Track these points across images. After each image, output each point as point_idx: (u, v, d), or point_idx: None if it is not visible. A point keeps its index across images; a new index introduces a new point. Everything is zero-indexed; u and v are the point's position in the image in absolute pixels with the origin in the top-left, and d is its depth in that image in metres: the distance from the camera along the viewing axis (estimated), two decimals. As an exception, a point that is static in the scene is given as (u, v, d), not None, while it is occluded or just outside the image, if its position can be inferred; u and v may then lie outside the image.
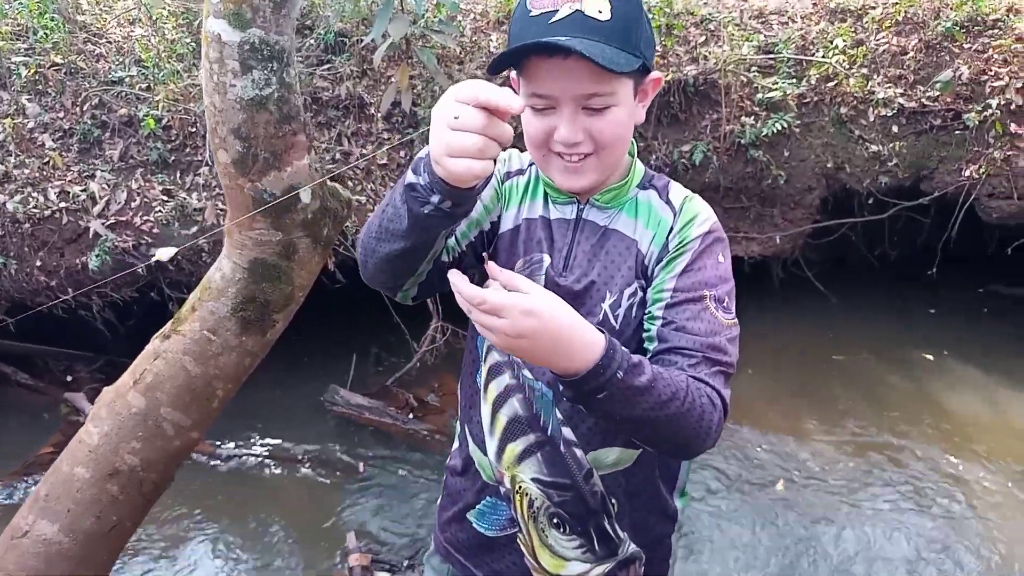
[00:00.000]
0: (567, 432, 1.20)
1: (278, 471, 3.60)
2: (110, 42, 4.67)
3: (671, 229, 1.18)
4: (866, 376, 4.29)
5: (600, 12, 1.03)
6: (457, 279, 0.97)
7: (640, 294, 1.18)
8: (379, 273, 1.15)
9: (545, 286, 1.09)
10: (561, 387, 1.02)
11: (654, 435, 1.05)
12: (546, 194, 1.25)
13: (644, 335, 1.16)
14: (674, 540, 1.35)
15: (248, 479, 3.55)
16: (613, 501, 1.24)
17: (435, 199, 0.97)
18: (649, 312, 1.16)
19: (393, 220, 1.05)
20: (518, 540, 1.28)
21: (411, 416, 4.00)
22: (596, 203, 1.21)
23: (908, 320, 4.88)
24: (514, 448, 1.24)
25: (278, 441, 3.79)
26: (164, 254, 1.84)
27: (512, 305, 0.93)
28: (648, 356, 1.12)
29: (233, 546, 3.10)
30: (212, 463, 3.63)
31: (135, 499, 1.72)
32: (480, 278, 1.14)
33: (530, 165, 1.29)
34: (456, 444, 1.39)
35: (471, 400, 1.31)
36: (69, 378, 4.32)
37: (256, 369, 1.99)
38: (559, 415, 1.20)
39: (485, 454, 1.28)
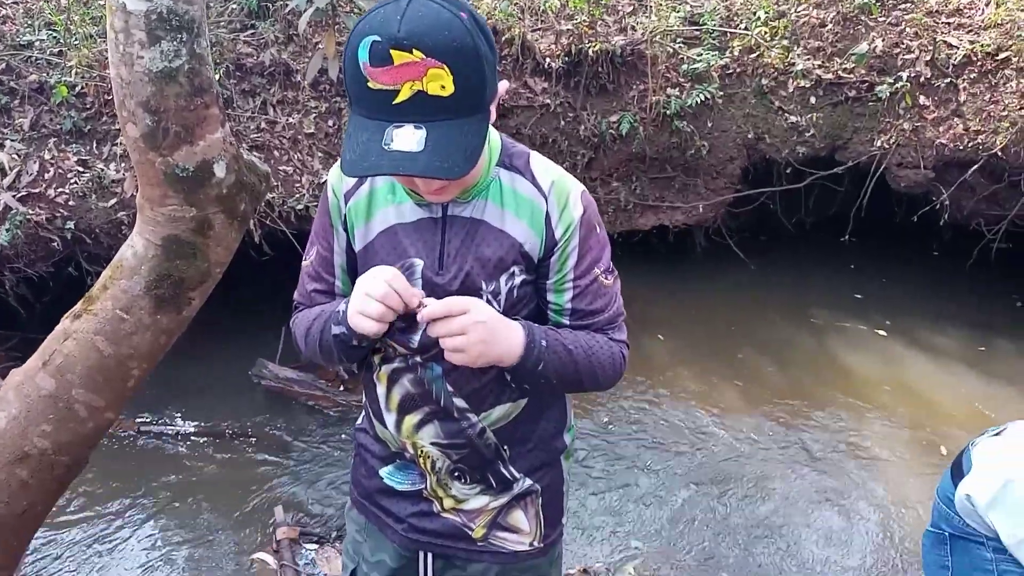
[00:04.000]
0: (458, 401, 1.30)
1: (205, 447, 3.56)
2: (17, 3, 4.43)
3: (547, 215, 1.23)
4: (778, 340, 4.48)
5: (443, 88, 1.00)
6: (426, 314, 1.15)
7: (520, 276, 1.25)
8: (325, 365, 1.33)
9: (423, 287, 1.22)
10: (509, 376, 1.26)
11: (582, 384, 1.29)
12: (407, 195, 1.25)
13: (551, 321, 1.30)
14: (566, 469, 1.48)
15: (174, 455, 3.50)
16: (505, 448, 1.36)
17: (354, 342, 1.23)
18: (555, 304, 1.28)
19: (330, 355, 1.31)
20: (424, 492, 1.40)
21: (341, 388, 3.99)
22: (458, 201, 1.22)
23: (822, 286, 5.09)
24: (411, 419, 1.34)
25: (205, 416, 3.74)
26: None
27: (468, 322, 1.13)
28: None
29: (159, 525, 3.07)
30: (136, 440, 3.57)
31: (47, 483, 1.69)
32: None
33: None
34: (363, 413, 1.48)
35: (369, 384, 1.40)
36: (-19, 356, 4.15)
37: (182, 343, 1.97)
38: (449, 387, 1.29)
39: (386, 427, 1.37)
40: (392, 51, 0.98)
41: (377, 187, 1.27)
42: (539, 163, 1.27)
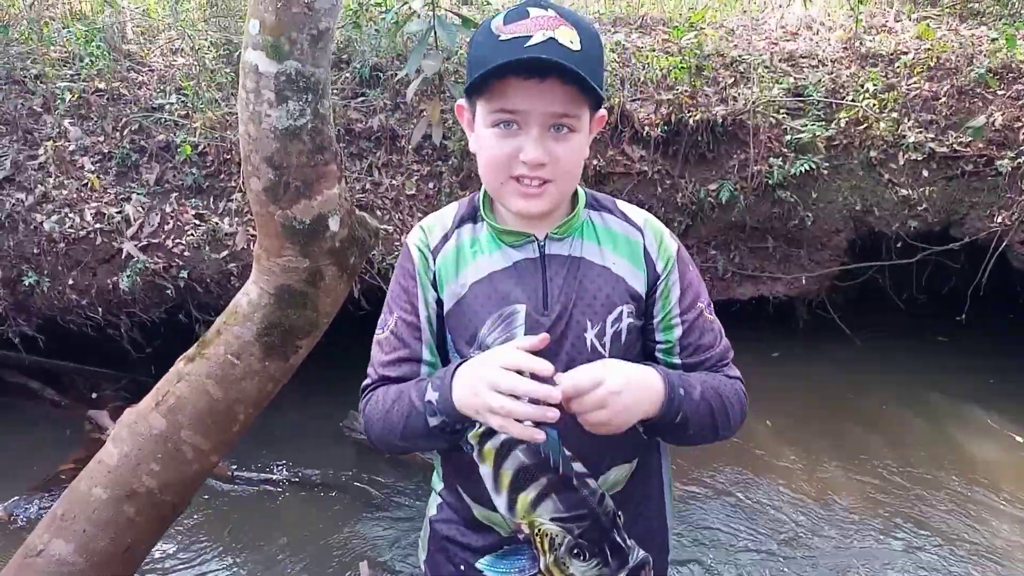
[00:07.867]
0: (578, 466, 1.22)
1: (294, 496, 3.60)
2: (152, 70, 4.81)
3: (644, 249, 1.23)
4: (888, 421, 4.21)
5: (572, 42, 1.06)
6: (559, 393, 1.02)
7: (628, 319, 1.20)
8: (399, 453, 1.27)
9: (527, 330, 1.17)
10: (642, 427, 1.15)
11: (716, 427, 1.20)
12: (500, 241, 1.22)
13: (662, 362, 1.24)
14: (670, 537, 1.40)
15: (264, 503, 3.55)
16: (620, 514, 1.28)
17: (459, 426, 1.12)
18: (665, 341, 1.24)
19: (422, 444, 1.19)
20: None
21: (429, 446, 3.98)
22: (554, 236, 1.22)
23: (932, 365, 4.78)
24: (526, 497, 1.24)
25: (295, 465, 3.80)
26: None
27: (604, 395, 1.03)
28: None
29: (247, 571, 3.09)
30: (228, 487, 3.64)
31: (151, 522, 1.73)
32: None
33: (455, 228, 1.26)
34: (444, 505, 1.36)
35: (463, 465, 1.29)
36: (94, 395, 4.37)
37: (278, 391, 2.01)
38: (567, 452, 1.22)
39: (495, 511, 1.27)
40: (529, 8, 1.07)
41: (463, 241, 1.25)
42: (626, 204, 1.30)
